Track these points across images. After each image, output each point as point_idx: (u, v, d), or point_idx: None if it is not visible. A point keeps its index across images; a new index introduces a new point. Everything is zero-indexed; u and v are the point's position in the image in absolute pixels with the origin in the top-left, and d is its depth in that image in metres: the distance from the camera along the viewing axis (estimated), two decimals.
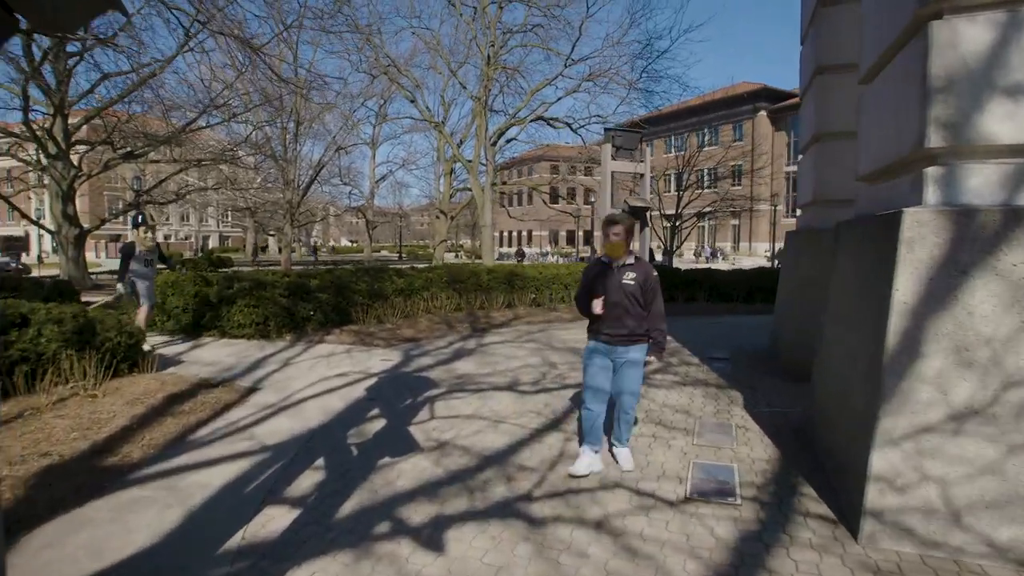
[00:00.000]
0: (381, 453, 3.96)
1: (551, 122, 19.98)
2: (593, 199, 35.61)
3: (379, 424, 4.57)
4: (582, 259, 36.65)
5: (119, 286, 7.52)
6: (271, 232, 40.62)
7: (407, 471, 3.66)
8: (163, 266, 8.68)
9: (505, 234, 71.82)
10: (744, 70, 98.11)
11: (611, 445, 3.85)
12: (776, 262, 32.39)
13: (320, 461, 3.83)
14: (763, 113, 48.12)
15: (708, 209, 20.91)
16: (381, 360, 7.07)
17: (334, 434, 4.34)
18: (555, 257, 45.83)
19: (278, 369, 6.57)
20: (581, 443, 3.79)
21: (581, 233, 56.36)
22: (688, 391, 5.44)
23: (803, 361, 5.70)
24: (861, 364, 2.96)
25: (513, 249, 65.21)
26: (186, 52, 14.33)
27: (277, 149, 27.81)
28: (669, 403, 5.07)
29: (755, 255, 46.36)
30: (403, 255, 51.19)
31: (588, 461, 3.59)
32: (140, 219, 7.84)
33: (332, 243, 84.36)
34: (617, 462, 3.71)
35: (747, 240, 49.04)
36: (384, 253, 67.07)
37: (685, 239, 23.28)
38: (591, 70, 17.23)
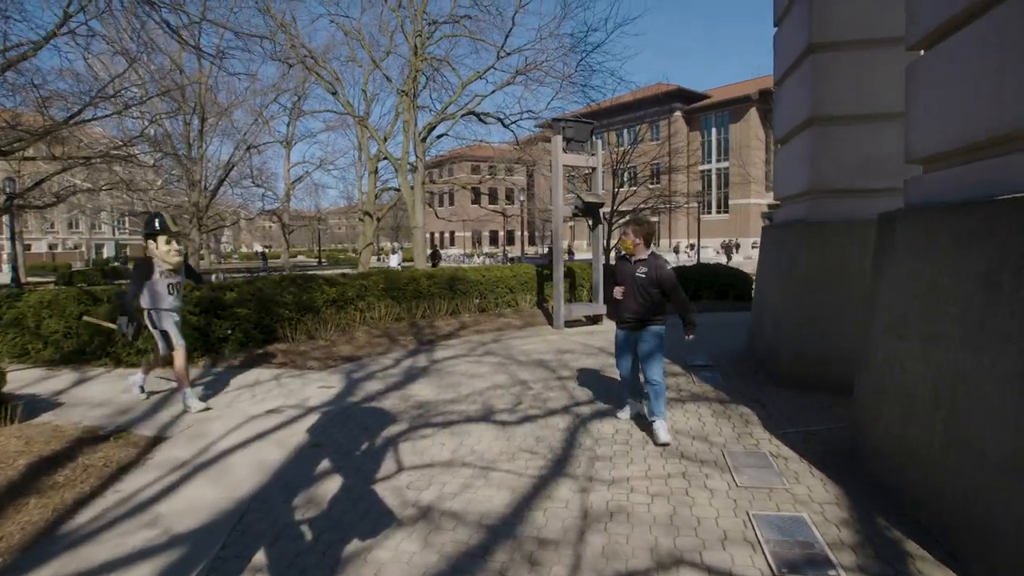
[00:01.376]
0: (345, 533, 2.93)
1: (482, 117, 19.06)
2: (523, 199, 35.06)
3: (334, 484, 3.52)
4: (512, 260, 36.00)
5: (121, 322, 5.07)
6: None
7: (387, 562, 2.66)
8: (192, 283, 6.66)
9: (429, 236, 70.27)
10: (655, 72, 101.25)
11: (649, 419, 4.26)
12: (729, 258, 33.19)
13: (260, 556, 2.75)
14: (679, 113, 49.57)
15: (643, 206, 20.73)
16: (319, 387, 5.94)
17: (275, 507, 3.25)
18: (480, 258, 44.61)
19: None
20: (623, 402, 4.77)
21: (503, 233, 55.93)
22: (693, 410, 4.74)
23: (807, 370, 5.16)
24: (995, 393, 2.29)
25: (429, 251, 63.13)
26: (65, 35, 12.31)
27: (180, 147, 25.25)
28: (680, 427, 4.33)
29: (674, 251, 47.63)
30: (322, 260, 48.59)
31: (630, 410, 4.66)
32: (159, 224, 5.24)
33: (244, 248, 79.43)
34: (655, 435, 4.06)
35: (667, 237, 50.35)
36: (301, 258, 63.71)
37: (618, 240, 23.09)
38: (526, 62, 16.47)
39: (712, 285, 12.87)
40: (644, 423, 4.40)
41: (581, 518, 2.97)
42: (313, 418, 4.90)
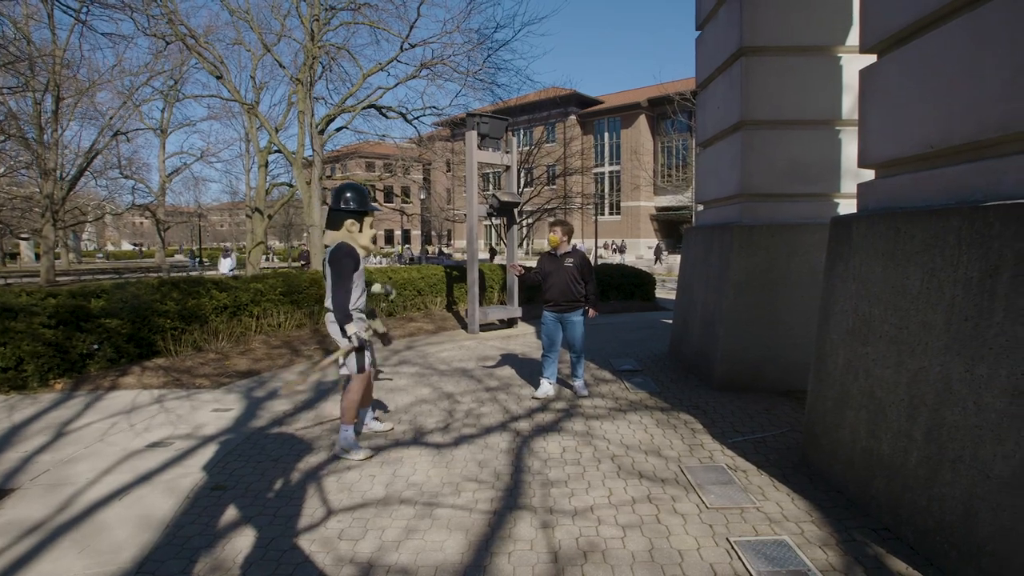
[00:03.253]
0: None
1: (384, 111, 18.21)
2: (423, 196, 34.22)
3: (246, 540, 2.89)
4: (414, 260, 35.01)
5: (353, 335, 3.78)
6: (23, 235, 32.62)
7: None
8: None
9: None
10: (558, 75, 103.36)
11: (571, 382, 5.50)
12: (658, 259, 34.03)
13: None
14: (574, 117, 50.84)
15: (547, 206, 20.83)
16: (214, 411, 5.14)
17: None
18: (376, 259, 42.44)
19: (47, 444, 4.34)
20: (542, 376, 5.37)
21: (399, 232, 54.49)
22: (637, 421, 4.53)
23: (740, 373, 5.16)
24: (997, 404, 2.19)
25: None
26: None
27: (28, 131, 21.96)
28: (628, 441, 4.09)
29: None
30: (203, 260, 44.67)
31: (546, 388, 5.29)
32: (361, 201, 3.97)
33: (109, 246, 71.51)
34: (576, 393, 5.32)
35: None
36: (179, 258, 58.32)
37: (525, 236, 23.10)
38: (432, 55, 15.87)
39: (620, 285, 13.01)
40: (585, 441, 4.12)
41: (552, 562, 2.60)
42: (210, 451, 4.16)
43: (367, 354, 4.00)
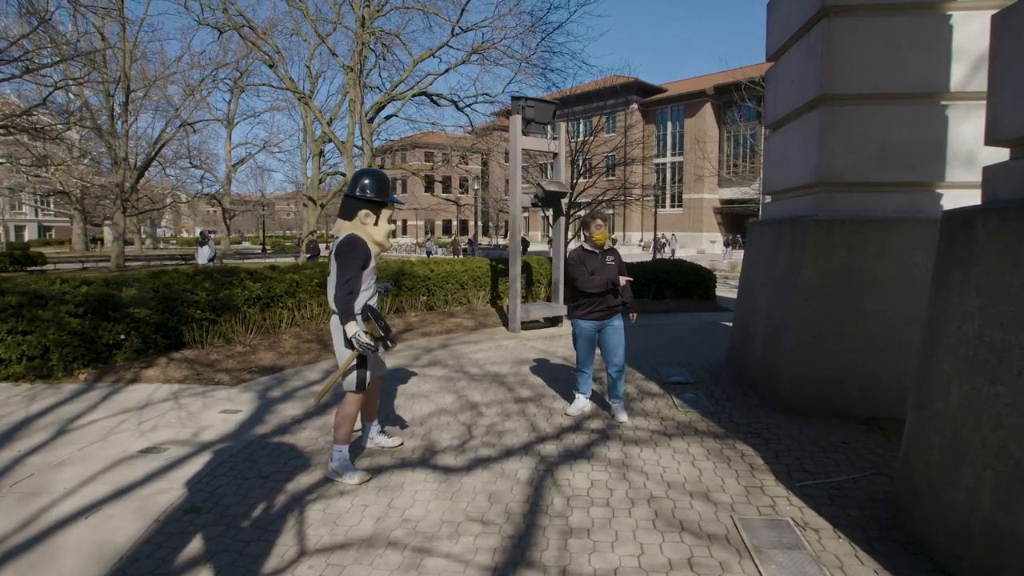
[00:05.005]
0: None
1: (435, 98, 17.85)
2: (477, 187, 33.87)
3: None
4: (466, 251, 34.67)
5: (359, 340, 3.25)
6: (98, 222, 34.42)
7: None
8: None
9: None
10: (615, 59, 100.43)
11: (608, 401, 4.66)
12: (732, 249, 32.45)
13: None
14: (635, 106, 49.23)
15: (602, 198, 19.96)
16: (222, 412, 4.79)
17: None
18: (435, 249, 41.36)
19: (45, 443, 4.10)
20: (577, 390, 4.69)
21: (456, 223, 54.42)
22: (683, 449, 3.84)
23: (811, 394, 4.36)
24: None
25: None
26: None
27: (103, 122, 22.93)
28: (671, 476, 3.42)
29: (629, 244, 47.46)
30: (267, 247, 46.08)
31: (581, 404, 4.61)
32: (374, 188, 3.48)
33: (184, 233, 75.27)
34: (614, 416, 4.45)
35: (620, 230, 50.13)
36: (247, 245, 60.60)
37: (577, 231, 22.28)
38: (482, 40, 15.32)
39: (675, 283, 12.11)
40: (619, 473, 3.48)
41: None
42: (201, 461, 3.77)
43: (369, 369, 3.50)
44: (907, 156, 4.29)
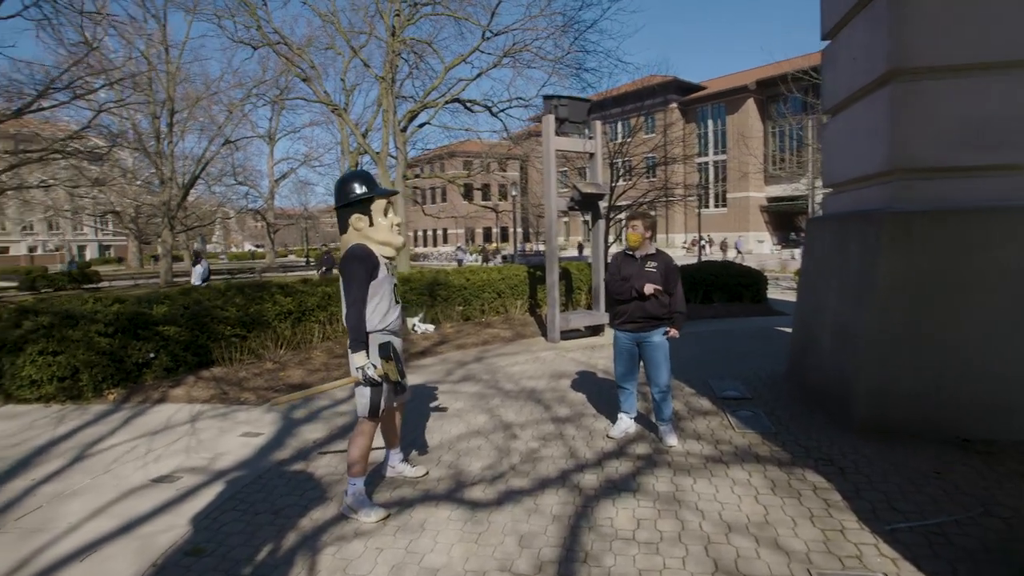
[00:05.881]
0: None
1: (468, 105, 17.63)
2: (515, 193, 33.58)
3: None
4: (505, 258, 34.35)
5: (362, 368, 3.02)
6: (147, 240, 35.69)
7: None
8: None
9: (420, 233, 68.52)
10: (651, 57, 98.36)
11: (654, 421, 4.17)
12: (798, 255, 31.32)
13: None
14: (674, 105, 48.13)
15: (643, 200, 19.34)
16: (242, 435, 4.55)
17: None
18: (473, 256, 40.31)
19: (60, 471, 3.93)
20: (620, 410, 4.23)
21: (496, 230, 54.23)
22: (742, 480, 3.35)
23: (893, 411, 3.79)
24: None
25: (430, 249, 59.02)
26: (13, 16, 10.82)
27: (150, 143, 23.71)
28: (729, 515, 2.94)
29: (672, 246, 46.24)
30: (311, 259, 46.94)
31: (624, 426, 4.18)
32: (366, 185, 3.19)
33: (233, 248, 77.73)
34: (662, 440, 3.99)
35: (663, 232, 48.97)
36: (292, 258, 62.01)
37: (619, 235, 21.68)
38: (514, 42, 15.02)
39: (725, 285, 11.45)
40: (669, 510, 3.02)
41: None
42: (212, 493, 3.50)
43: (384, 392, 3.16)
44: (998, 134, 3.70)
